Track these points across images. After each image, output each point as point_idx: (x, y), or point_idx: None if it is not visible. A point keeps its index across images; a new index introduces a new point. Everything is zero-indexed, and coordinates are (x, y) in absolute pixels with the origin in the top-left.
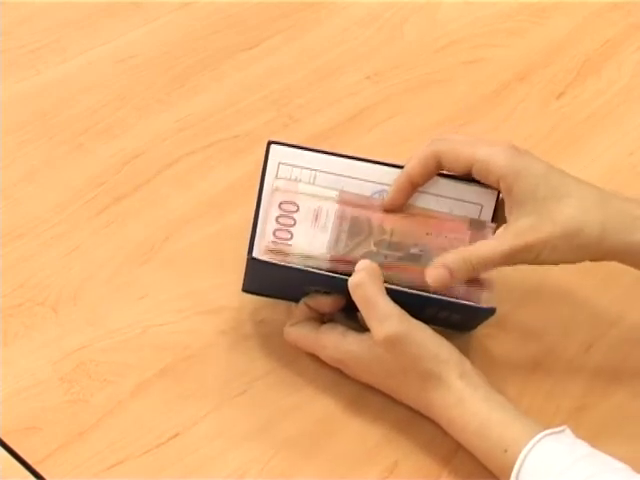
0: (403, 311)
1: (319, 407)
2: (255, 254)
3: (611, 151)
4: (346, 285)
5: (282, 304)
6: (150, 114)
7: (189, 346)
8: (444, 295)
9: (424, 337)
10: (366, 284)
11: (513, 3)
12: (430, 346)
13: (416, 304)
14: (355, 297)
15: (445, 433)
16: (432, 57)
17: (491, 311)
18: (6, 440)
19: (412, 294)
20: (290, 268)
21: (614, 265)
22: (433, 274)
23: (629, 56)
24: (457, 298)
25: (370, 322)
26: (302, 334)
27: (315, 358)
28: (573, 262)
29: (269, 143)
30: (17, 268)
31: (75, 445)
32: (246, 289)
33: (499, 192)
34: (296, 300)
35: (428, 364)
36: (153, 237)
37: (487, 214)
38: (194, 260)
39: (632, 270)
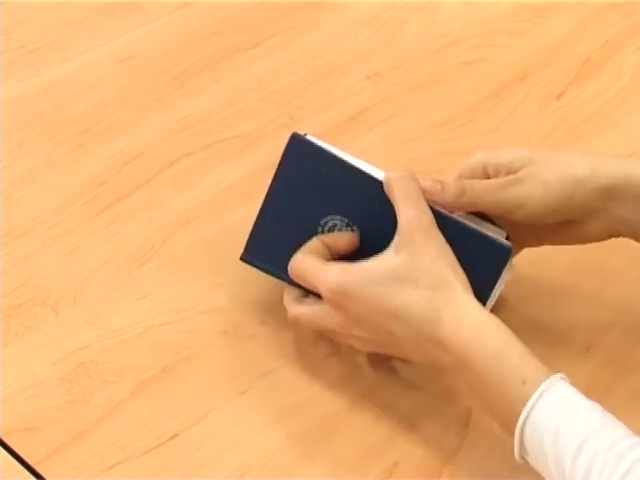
0: None
1: (319, 407)
2: None
3: (611, 151)
4: (376, 191)
5: (282, 306)
6: (150, 114)
7: (189, 346)
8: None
9: (447, 246)
10: (411, 180)
11: (513, 3)
12: (450, 254)
13: None
14: (398, 188)
15: (446, 432)
16: (432, 57)
17: (506, 250)
18: (6, 440)
19: (438, 213)
20: (329, 154)
21: (614, 265)
22: (426, 182)
23: (629, 56)
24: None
25: (407, 209)
26: (311, 261)
27: (315, 358)
28: (565, 209)
29: (291, 137)
30: (17, 268)
31: (75, 445)
32: (250, 246)
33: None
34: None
35: (445, 269)
36: (153, 237)
37: None
38: (194, 260)
39: (632, 270)
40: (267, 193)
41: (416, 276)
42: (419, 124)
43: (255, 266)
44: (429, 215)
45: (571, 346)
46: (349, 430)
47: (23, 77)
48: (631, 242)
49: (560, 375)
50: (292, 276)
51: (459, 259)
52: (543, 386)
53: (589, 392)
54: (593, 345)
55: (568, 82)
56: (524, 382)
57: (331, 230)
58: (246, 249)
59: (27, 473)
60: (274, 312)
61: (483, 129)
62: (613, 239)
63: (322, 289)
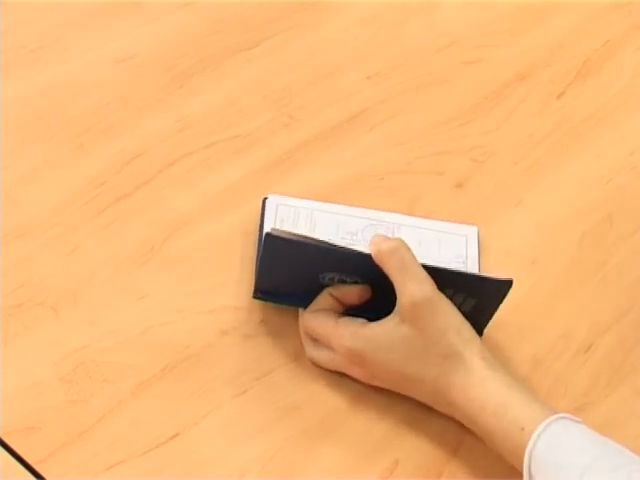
0: None
1: (320, 407)
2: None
3: (611, 151)
4: (365, 260)
5: (283, 306)
6: (150, 114)
7: (189, 346)
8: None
9: (451, 310)
10: (403, 249)
11: (513, 3)
12: (456, 319)
13: (436, 281)
14: (391, 261)
15: (446, 432)
16: (432, 57)
17: (507, 284)
18: (6, 440)
19: (434, 268)
20: (305, 244)
21: (614, 265)
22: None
23: (629, 56)
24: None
25: (407, 285)
26: (321, 321)
27: None
28: None
29: (264, 200)
30: (17, 268)
31: (75, 445)
32: (258, 289)
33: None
34: (309, 300)
35: (452, 338)
36: (153, 237)
37: (472, 245)
38: (194, 260)
39: (632, 269)
40: (257, 253)
41: (427, 346)
42: (419, 124)
43: (269, 300)
44: (429, 284)
45: (571, 346)
46: (349, 429)
47: (23, 77)
48: (631, 242)
49: (559, 415)
50: (304, 330)
51: (465, 297)
52: (539, 430)
53: (589, 392)
54: (593, 345)
55: (568, 82)
56: (522, 429)
57: (331, 280)
58: (255, 290)
59: (27, 473)
60: (274, 312)
61: (483, 129)
62: (613, 238)
63: (337, 350)
